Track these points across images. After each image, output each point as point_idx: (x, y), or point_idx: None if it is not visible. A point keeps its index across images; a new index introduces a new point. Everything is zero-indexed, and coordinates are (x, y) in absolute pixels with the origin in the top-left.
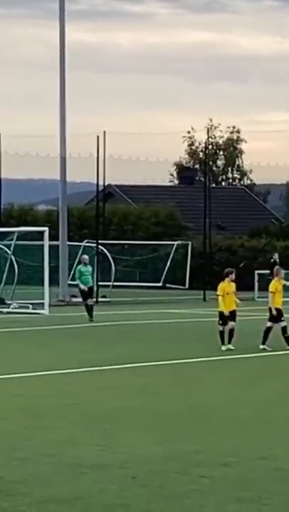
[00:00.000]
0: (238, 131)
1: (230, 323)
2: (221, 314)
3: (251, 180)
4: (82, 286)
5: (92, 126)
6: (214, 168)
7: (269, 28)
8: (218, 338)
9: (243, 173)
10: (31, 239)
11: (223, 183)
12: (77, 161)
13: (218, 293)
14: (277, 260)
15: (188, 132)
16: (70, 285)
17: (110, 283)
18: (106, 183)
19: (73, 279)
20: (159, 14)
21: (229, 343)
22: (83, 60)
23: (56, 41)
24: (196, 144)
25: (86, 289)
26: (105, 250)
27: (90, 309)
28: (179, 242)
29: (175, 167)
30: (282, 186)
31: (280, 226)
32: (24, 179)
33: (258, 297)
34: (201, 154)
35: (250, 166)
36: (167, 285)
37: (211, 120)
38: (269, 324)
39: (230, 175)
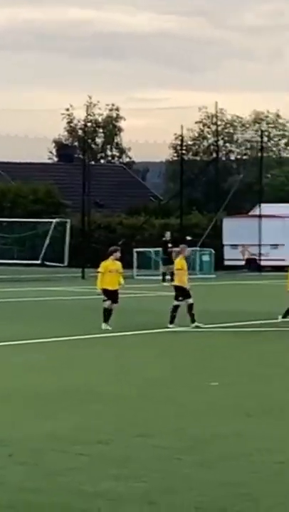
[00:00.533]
0: (118, 109)
1: (112, 305)
2: (105, 290)
3: (130, 158)
4: None
5: None
6: (93, 146)
7: (146, 4)
8: (101, 314)
9: (122, 151)
10: None
11: (102, 161)
12: None
13: (98, 270)
14: (169, 239)
15: (67, 110)
16: None
17: None
18: None
19: None
20: None
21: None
22: None
23: None
24: (75, 122)
25: None
26: None
27: None
28: (58, 219)
29: (54, 144)
30: (160, 164)
31: (159, 204)
32: None
33: (137, 275)
34: (80, 132)
35: (129, 143)
36: (46, 263)
37: (90, 98)
38: (176, 303)
39: (109, 152)
